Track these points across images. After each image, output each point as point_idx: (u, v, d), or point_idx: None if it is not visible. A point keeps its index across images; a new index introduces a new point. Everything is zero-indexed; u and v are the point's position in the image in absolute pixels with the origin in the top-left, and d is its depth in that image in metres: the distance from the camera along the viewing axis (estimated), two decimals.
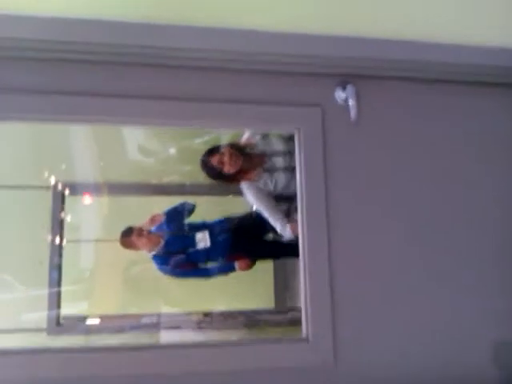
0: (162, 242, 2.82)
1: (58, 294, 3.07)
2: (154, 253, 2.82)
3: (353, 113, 1.42)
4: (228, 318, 3.24)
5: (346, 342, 1.36)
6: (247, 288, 3.29)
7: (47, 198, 3.19)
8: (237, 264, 2.85)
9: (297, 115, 1.44)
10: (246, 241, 2.83)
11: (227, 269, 2.88)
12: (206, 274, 2.89)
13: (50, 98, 1.32)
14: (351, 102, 1.41)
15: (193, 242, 2.83)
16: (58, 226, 3.17)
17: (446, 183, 1.51)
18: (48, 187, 3.21)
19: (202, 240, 2.83)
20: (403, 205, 1.48)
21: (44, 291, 3.03)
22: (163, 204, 3.01)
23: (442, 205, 1.50)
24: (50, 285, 3.06)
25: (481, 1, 1.52)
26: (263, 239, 2.82)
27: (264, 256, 2.98)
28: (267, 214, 2.40)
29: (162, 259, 2.83)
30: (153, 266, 2.84)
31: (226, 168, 2.37)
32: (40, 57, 1.32)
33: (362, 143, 1.47)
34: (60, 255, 3.12)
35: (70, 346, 1.42)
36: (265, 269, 3.20)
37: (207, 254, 2.84)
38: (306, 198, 1.41)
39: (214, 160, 2.39)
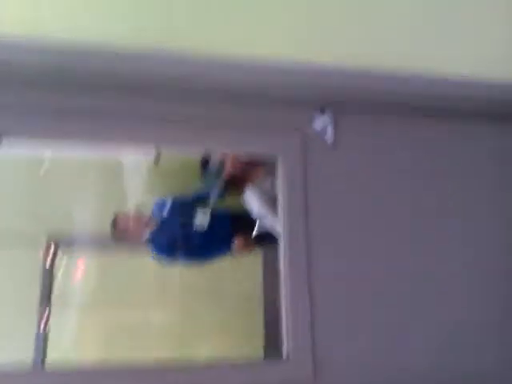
0: (155, 223, 2.67)
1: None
2: (148, 237, 2.68)
3: (330, 138, 1.51)
4: None
5: (325, 359, 1.38)
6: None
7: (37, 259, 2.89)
8: (236, 242, 2.71)
9: (277, 141, 1.50)
10: (247, 221, 2.69)
11: (224, 250, 2.75)
12: (204, 255, 2.76)
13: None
14: (329, 129, 1.50)
15: (190, 224, 2.69)
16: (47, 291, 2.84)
17: (423, 204, 1.58)
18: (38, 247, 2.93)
19: (203, 218, 2.68)
20: (381, 225, 1.53)
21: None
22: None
23: (419, 226, 1.56)
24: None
25: (456, 33, 1.55)
26: None
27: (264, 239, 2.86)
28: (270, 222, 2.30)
29: (157, 241, 2.69)
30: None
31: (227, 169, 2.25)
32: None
33: (340, 168, 1.53)
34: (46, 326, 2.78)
35: None
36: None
37: (205, 236, 2.70)
38: (288, 221, 1.45)
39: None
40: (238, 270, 3.00)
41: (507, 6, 1.63)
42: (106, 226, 2.67)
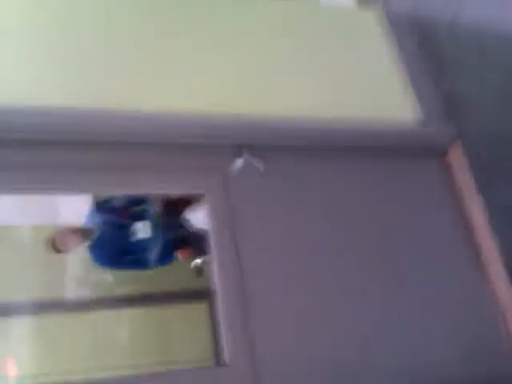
0: (96, 233, 2.62)
1: None
2: (86, 244, 2.64)
3: (251, 175, 1.63)
4: None
5: (265, 364, 1.41)
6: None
7: None
8: (179, 254, 2.71)
9: (202, 181, 1.62)
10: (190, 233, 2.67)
11: (169, 259, 2.74)
12: (145, 265, 2.74)
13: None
14: (247, 168, 1.62)
15: (133, 232, 2.66)
16: None
17: (346, 232, 1.68)
18: None
19: (143, 230, 2.66)
20: (302, 251, 1.61)
21: None
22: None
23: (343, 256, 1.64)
24: None
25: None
26: None
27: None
28: None
29: (98, 250, 2.65)
30: None
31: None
32: None
33: (263, 200, 1.64)
34: None
35: None
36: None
37: (148, 244, 2.68)
38: (217, 251, 1.52)
39: None
40: None
41: None
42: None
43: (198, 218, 2.42)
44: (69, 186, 1.55)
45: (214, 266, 1.50)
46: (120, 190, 1.72)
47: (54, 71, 1.56)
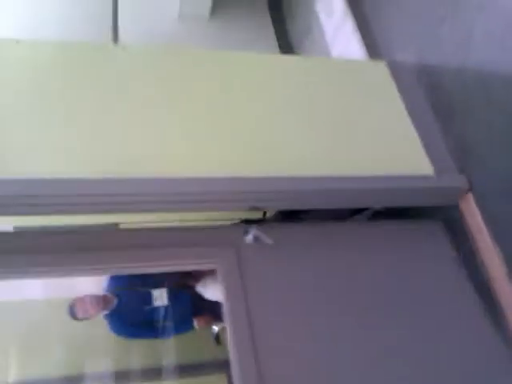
0: (115, 301, 2.61)
1: None
2: (106, 312, 2.62)
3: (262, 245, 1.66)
4: None
5: None
6: None
7: None
8: (196, 322, 2.63)
9: (214, 255, 1.64)
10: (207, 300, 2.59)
11: (186, 328, 2.66)
12: (163, 334, 2.67)
13: None
14: (258, 239, 1.66)
15: (149, 300, 2.62)
16: None
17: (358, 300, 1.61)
18: None
19: (160, 298, 2.62)
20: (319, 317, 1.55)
21: None
22: None
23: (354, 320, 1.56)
24: None
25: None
26: None
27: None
28: None
29: (116, 318, 2.63)
30: None
31: None
32: None
33: (274, 272, 1.64)
34: None
35: None
36: None
37: (165, 312, 2.62)
38: (232, 322, 1.50)
39: None
40: None
41: None
42: None
43: (209, 291, 2.38)
44: (81, 267, 1.56)
45: (229, 340, 1.48)
46: (132, 268, 1.69)
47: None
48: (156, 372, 2.78)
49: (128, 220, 2.94)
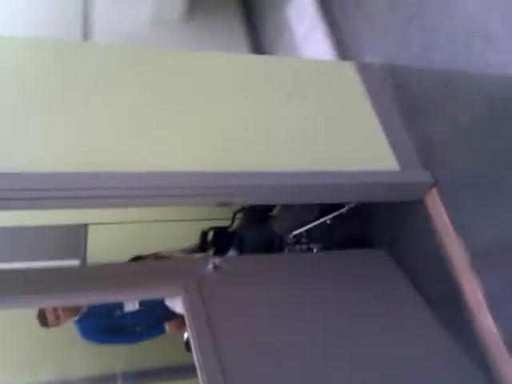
0: (85, 307, 2.55)
1: None
2: (76, 318, 2.55)
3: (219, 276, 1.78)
4: None
5: None
6: None
7: None
8: (167, 326, 2.58)
9: (177, 283, 1.75)
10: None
11: (157, 332, 2.61)
12: (134, 338, 2.62)
13: None
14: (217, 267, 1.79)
15: (120, 305, 2.57)
16: None
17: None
18: None
19: (131, 303, 2.57)
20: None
21: None
22: None
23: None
24: None
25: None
26: None
27: None
28: None
29: (86, 324, 2.56)
30: None
31: None
32: None
33: (233, 296, 1.73)
34: None
35: None
36: None
37: (136, 317, 2.57)
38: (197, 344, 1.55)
39: None
40: None
41: None
42: None
43: (177, 306, 2.35)
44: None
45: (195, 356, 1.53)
46: (93, 298, 1.84)
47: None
48: (129, 377, 2.72)
49: (96, 220, 2.89)
